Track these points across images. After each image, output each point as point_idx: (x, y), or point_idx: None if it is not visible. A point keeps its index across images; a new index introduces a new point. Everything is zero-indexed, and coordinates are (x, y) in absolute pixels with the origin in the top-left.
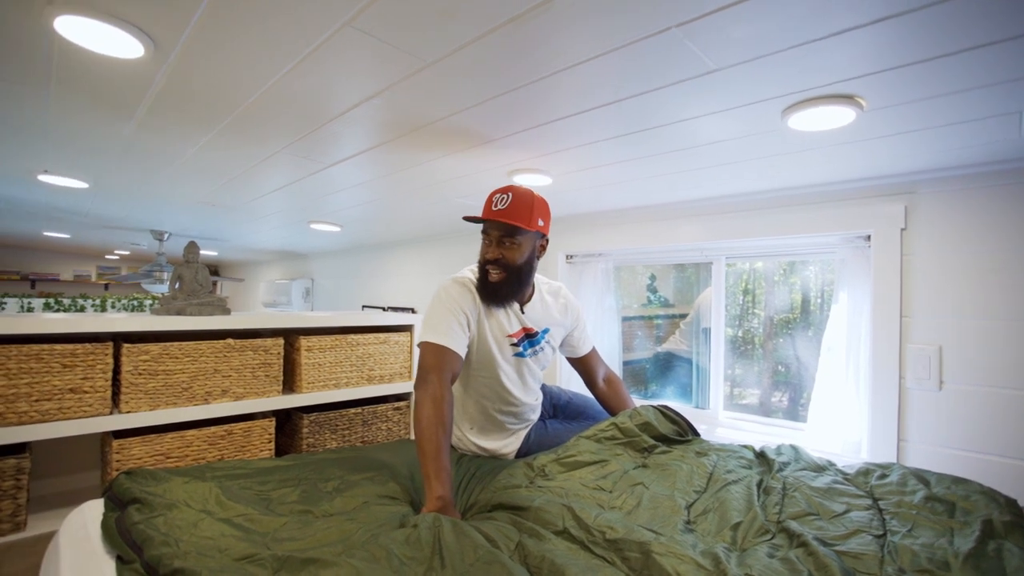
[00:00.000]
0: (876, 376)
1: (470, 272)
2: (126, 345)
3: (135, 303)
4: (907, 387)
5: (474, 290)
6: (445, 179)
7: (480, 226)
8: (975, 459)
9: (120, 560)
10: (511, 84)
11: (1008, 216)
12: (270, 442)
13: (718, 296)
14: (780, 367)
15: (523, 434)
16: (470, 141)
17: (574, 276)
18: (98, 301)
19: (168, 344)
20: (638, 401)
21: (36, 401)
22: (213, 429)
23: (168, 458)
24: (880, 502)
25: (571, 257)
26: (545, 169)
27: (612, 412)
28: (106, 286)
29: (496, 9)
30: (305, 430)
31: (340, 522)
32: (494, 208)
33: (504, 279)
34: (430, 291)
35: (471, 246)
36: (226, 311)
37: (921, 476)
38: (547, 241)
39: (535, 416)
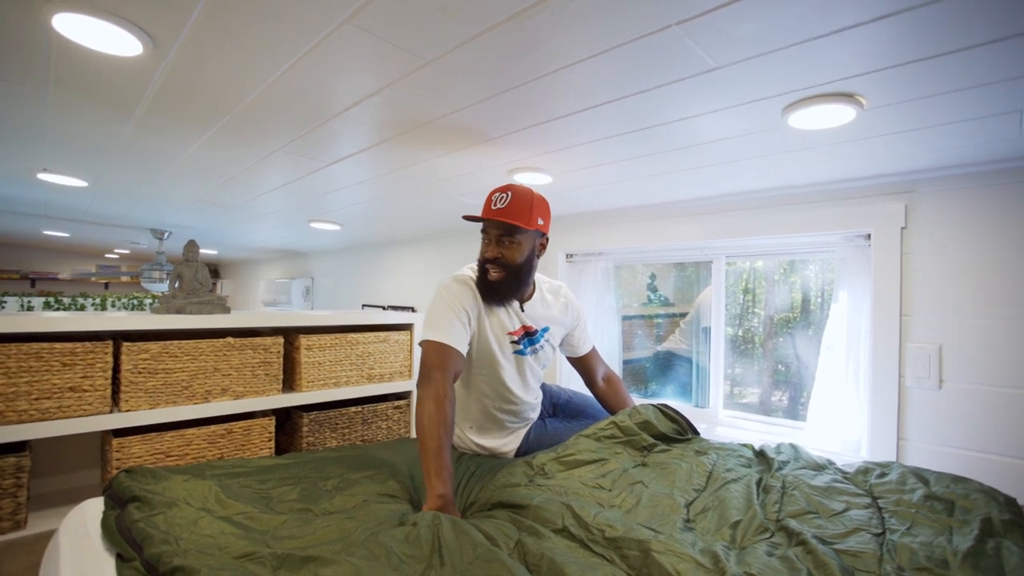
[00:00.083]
0: (876, 375)
1: (470, 270)
2: (126, 344)
3: (135, 302)
4: (907, 386)
5: (475, 288)
6: (445, 177)
7: (480, 225)
8: (974, 458)
9: (120, 558)
10: (511, 82)
11: (1008, 215)
12: (270, 441)
13: (718, 295)
14: (780, 366)
15: (523, 433)
16: (470, 139)
17: (574, 275)
18: (98, 300)
19: (168, 343)
20: (638, 400)
21: (36, 399)
22: (213, 428)
23: (168, 456)
24: (879, 501)
25: (571, 256)
26: (545, 168)
27: (612, 411)
28: (106, 285)
29: (496, 7)
30: (305, 429)
31: (340, 520)
32: (493, 207)
33: (503, 278)
34: (430, 290)
35: (471, 245)
36: (226, 310)
37: (920, 475)
38: (547, 240)
39: (535, 415)
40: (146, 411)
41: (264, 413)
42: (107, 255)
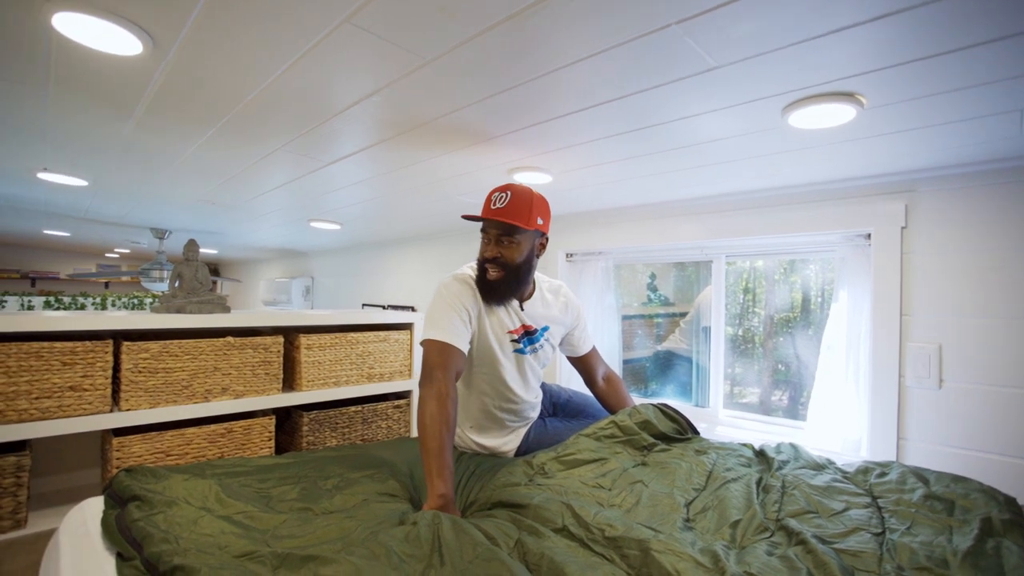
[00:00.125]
0: (876, 374)
1: (470, 269)
2: (126, 343)
3: (135, 301)
4: (907, 385)
5: (475, 286)
6: (445, 177)
7: (480, 224)
8: (974, 457)
9: (120, 557)
10: (511, 82)
11: (1008, 214)
12: (270, 440)
13: (718, 295)
14: (780, 366)
15: (523, 432)
16: (470, 139)
17: (574, 274)
18: (98, 299)
19: (168, 342)
20: (638, 399)
21: (36, 399)
22: (213, 427)
23: (168, 456)
24: (879, 500)
25: (571, 255)
26: (545, 167)
27: (612, 410)
28: (106, 284)
29: (495, 6)
30: (305, 428)
31: (340, 519)
32: (493, 207)
33: (502, 277)
34: (430, 289)
35: (471, 244)
36: (226, 309)
37: (920, 474)
38: (547, 240)
39: (535, 414)
40: (146, 410)
41: (264, 412)
42: (107, 254)
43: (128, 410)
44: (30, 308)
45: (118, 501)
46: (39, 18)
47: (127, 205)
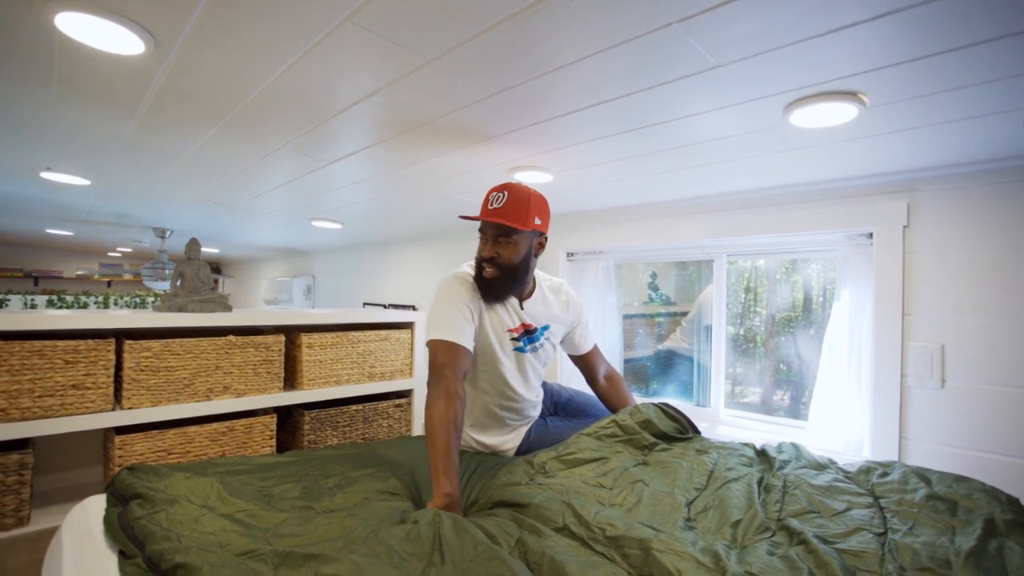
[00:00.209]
0: (878, 374)
1: (469, 267)
2: (128, 341)
3: (137, 300)
4: (909, 385)
5: (474, 284)
6: (446, 176)
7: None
8: (977, 457)
9: (122, 555)
10: (511, 81)
11: (1010, 213)
12: (271, 438)
13: (719, 294)
14: (781, 365)
15: (524, 431)
16: (471, 138)
17: (575, 274)
18: (101, 298)
19: (170, 341)
20: (639, 399)
21: (39, 397)
22: (215, 425)
23: (170, 454)
24: (881, 500)
25: (572, 255)
26: (546, 166)
27: (613, 409)
28: (109, 283)
29: (495, 6)
30: (306, 427)
31: (341, 518)
32: (490, 207)
33: (498, 276)
34: (431, 288)
35: (472, 243)
36: (227, 308)
37: (922, 474)
38: (545, 239)
39: (536, 413)
40: (148, 409)
41: (265, 411)
42: (110, 253)
43: (130, 408)
44: (33, 307)
45: (120, 499)
46: (42, 18)
47: (129, 204)
